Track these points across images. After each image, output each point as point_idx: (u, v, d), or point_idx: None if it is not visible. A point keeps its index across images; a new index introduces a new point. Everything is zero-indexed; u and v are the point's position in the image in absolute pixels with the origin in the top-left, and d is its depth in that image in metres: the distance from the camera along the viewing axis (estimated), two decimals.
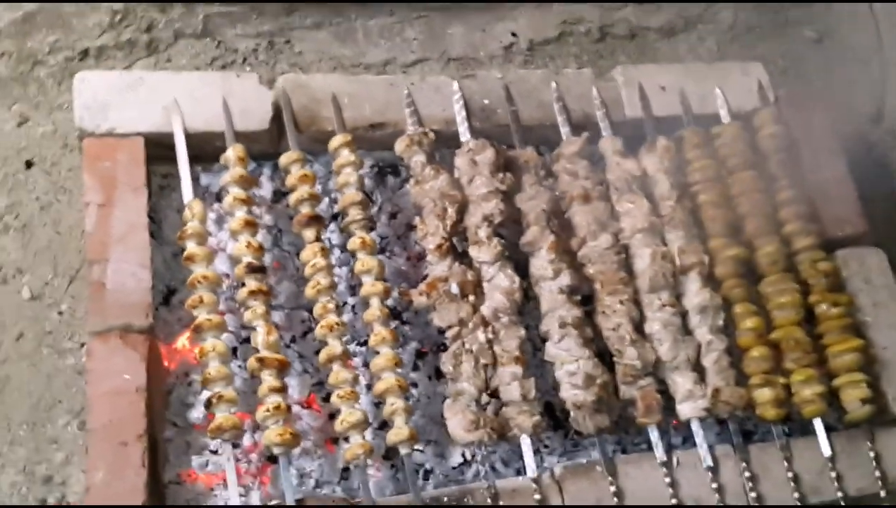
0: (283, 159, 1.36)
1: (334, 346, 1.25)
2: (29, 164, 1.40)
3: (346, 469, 1.29)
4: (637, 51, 1.71)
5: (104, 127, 1.32)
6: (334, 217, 1.43)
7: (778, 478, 1.35)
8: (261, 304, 1.25)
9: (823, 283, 1.45)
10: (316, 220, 1.33)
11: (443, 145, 1.44)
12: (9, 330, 1.30)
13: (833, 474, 1.36)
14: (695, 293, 1.40)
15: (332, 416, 1.30)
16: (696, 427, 1.35)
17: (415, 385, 1.36)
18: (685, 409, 1.35)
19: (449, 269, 1.33)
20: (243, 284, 1.27)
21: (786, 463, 1.35)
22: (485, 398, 1.30)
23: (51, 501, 1.22)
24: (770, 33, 1.72)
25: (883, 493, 1.36)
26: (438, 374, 1.37)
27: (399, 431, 1.23)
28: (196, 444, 1.26)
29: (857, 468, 1.38)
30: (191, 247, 1.27)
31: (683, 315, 1.40)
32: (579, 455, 1.36)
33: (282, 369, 1.23)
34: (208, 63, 1.51)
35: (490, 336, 1.31)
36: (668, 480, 1.30)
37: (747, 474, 1.33)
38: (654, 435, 1.33)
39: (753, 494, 1.32)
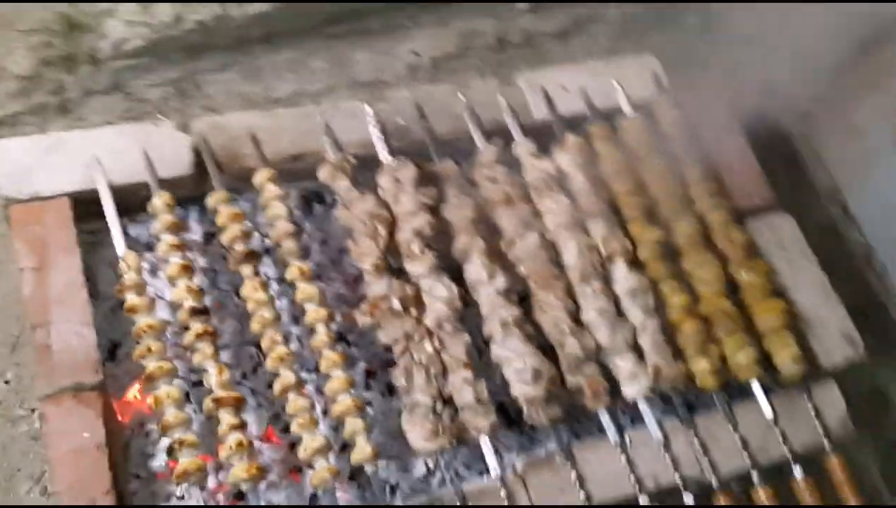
0: (211, 200, 1.38)
1: (287, 376, 1.27)
2: None
3: (313, 496, 1.31)
4: (535, 56, 1.76)
5: (28, 192, 1.32)
6: (266, 251, 1.45)
7: (727, 444, 1.41)
8: (208, 345, 1.26)
9: (741, 253, 1.52)
10: (252, 256, 1.34)
11: (363, 168, 1.47)
12: None
13: (778, 433, 1.42)
14: (623, 278, 1.46)
15: (293, 446, 1.32)
16: (643, 406, 1.40)
17: (369, 404, 1.38)
18: (630, 390, 1.40)
19: (388, 287, 1.36)
20: (187, 328, 1.28)
21: (731, 429, 1.42)
22: (439, 406, 1.33)
23: None
24: (658, 25, 1.79)
25: (828, 446, 1.43)
26: (391, 390, 1.40)
27: (362, 450, 1.25)
28: (162, 493, 1.26)
29: (800, 425, 1.44)
30: (131, 298, 1.27)
31: (615, 300, 1.45)
32: (536, 449, 1.40)
33: (238, 406, 1.24)
34: (121, 117, 1.51)
35: (437, 345, 1.34)
36: (624, 460, 1.35)
37: (698, 445, 1.39)
38: (604, 419, 1.38)
39: (706, 462, 1.38)
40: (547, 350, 1.40)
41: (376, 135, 1.49)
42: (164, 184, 1.37)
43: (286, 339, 1.30)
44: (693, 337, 1.44)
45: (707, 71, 1.67)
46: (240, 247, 1.35)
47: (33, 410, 1.30)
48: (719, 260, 1.51)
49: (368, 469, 1.25)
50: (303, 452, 1.24)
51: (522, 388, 1.35)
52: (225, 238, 1.36)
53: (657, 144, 1.58)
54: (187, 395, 1.31)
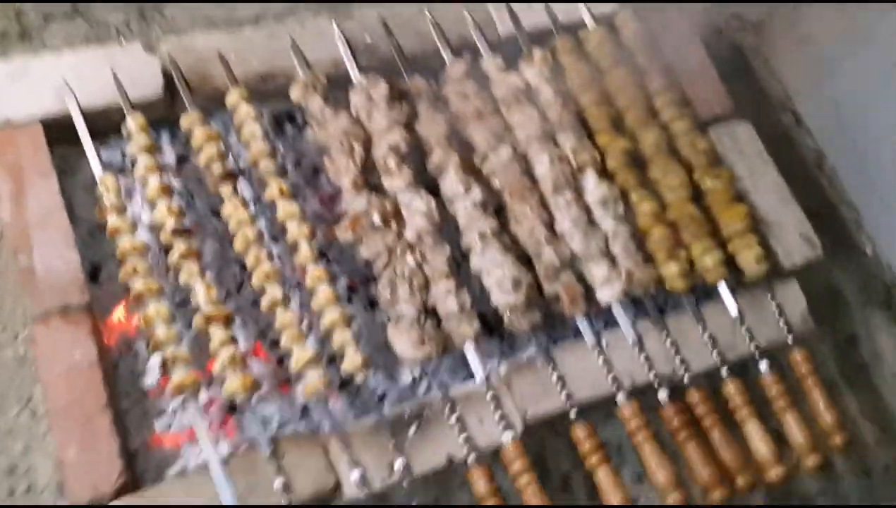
0: (184, 121, 1.37)
1: (274, 291, 1.28)
2: None
3: (304, 408, 1.33)
4: None
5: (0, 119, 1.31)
6: (240, 172, 1.45)
7: (696, 342, 1.46)
8: (194, 264, 1.27)
9: (704, 160, 1.56)
10: (230, 176, 1.35)
11: (334, 87, 1.48)
12: None
13: (744, 330, 1.48)
14: (593, 188, 1.49)
15: (281, 361, 1.34)
16: (616, 309, 1.44)
17: (351, 320, 1.40)
18: (604, 294, 1.44)
19: (367, 203, 1.38)
20: (168, 250, 1.29)
21: (700, 328, 1.47)
22: (423, 317, 1.35)
23: (20, 489, 1.22)
24: None
25: (790, 340, 1.50)
26: (373, 304, 1.43)
27: (352, 359, 1.28)
28: (154, 410, 1.28)
29: (764, 321, 1.51)
30: (112, 220, 1.27)
31: (587, 210, 1.49)
32: (517, 355, 1.44)
33: (227, 322, 1.26)
34: (83, 42, 1.49)
35: (418, 258, 1.37)
36: (601, 360, 1.40)
37: (669, 343, 1.44)
38: (581, 323, 1.42)
39: (678, 360, 1.43)
40: (523, 260, 1.43)
41: (345, 53, 1.49)
42: (135, 106, 1.36)
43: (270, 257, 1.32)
44: (662, 242, 1.49)
45: None
46: (218, 168, 1.35)
47: (16, 336, 1.30)
48: (684, 168, 1.55)
49: (359, 377, 1.28)
50: (295, 364, 1.25)
51: (503, 297, 1.38)
52: (202, 158, 1.36)
53: (621, 56, 1.61)
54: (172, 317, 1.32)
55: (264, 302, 1.29)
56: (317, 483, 1.22)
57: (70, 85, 1.34)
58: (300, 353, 1.26)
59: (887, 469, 1.66)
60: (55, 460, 1.23)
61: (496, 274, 1.38)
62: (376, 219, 1.37)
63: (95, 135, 1.36)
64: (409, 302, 1.34)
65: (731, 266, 1.52)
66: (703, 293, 1.52)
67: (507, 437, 1.30)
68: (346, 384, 1.35)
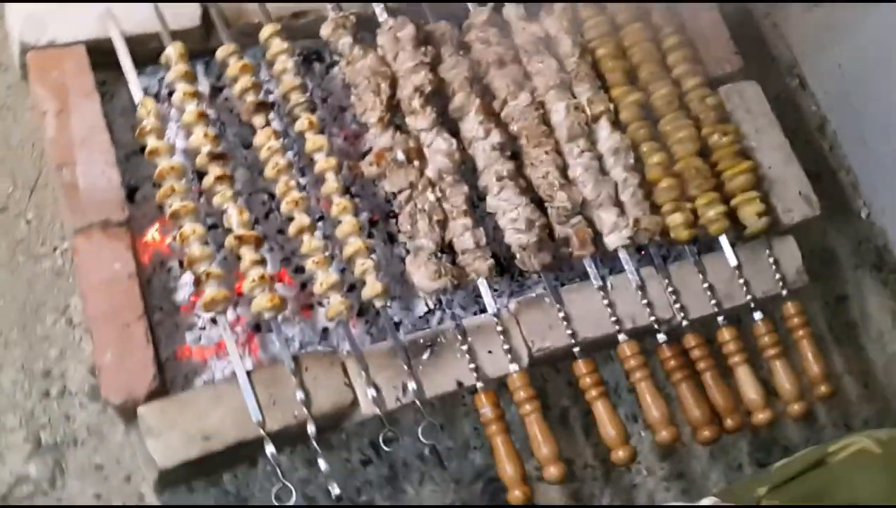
0: (220, 52, 1.43)
1: (302, 219, 1.35)
2: None
3: (325, 330, 1.41)
4: None
5: (45, 39, 1.36)
6: (271, 105, 1.51)
7: (695, 290, 1.54)
8: (228, 188, 1.34)
9: (712, 116, 1.62)
10: (263, 106, 1.41)
11: (362, 28, 1.53)
12: None
13: (741, 281, 1.56)
14: (606, 137, 1.56)
15: (304, 286, 1.42)
16: (622, 254, 1.52)
17: (372, 250, 1.47)
18: (612, 240, 1.51)
19: (392, 139, 1.45)
20: (203, 174, 1.35)
21: (700, 277, 1.55)
22: (440, 251, 1.43)
23: (53, 392, 1.30)
24: None
25: (784, 292, 1.58)
26: (392, 239, 1.50)
27: (373, 287, 1.35)
28: (184, 324, 1.35)
29: (760, 274, 1.58)
30: (152, 141, 1.33)
31: (599, 158, 1.55)
32: (526, 293, 1.52)
33: (258, 245, 1.32)
34: None
35: (438, 194, 1.44)
36: (605, 302, 1.47)
37: (670, 289, 1.52)
38: (589, 266, 1.49)
39: (678, 305, 1.51)
40: (535, 204, 1.50)
41: None
42: (174, 36, 1.42)
43: (299, 186, 1.38)
44: (669, 193, 1.55)
45: None
46: (251, 98, 1.41)
47: (55, 249, 1.37)
48: (693, 123, 1.61)
49: (378, 303, 1.35)
50: (318, 288, 1.32)
51: (516, 236, 1.45)
52: (236, 89, 1.42)
53: (637, 12, 1.66)
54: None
55: (292, 228, 1.35)
56: (335, 398, 1.30)
57: (112, 11, 1.40)
58: (324, 277, 1.33)
59: (866, 423, 1.74)
60: (90, 365, 1.31)
61: (511, 213, 1.45)
62: (400, 155, 1.43)
63: (135, 62, 1.41)
64: (428, 237, 1.41)
65: (733, 220, 1.59)
66: (704, 245, 1.60)
67: (513, 367, 1.38)
68: (363, 312, 1.42)
